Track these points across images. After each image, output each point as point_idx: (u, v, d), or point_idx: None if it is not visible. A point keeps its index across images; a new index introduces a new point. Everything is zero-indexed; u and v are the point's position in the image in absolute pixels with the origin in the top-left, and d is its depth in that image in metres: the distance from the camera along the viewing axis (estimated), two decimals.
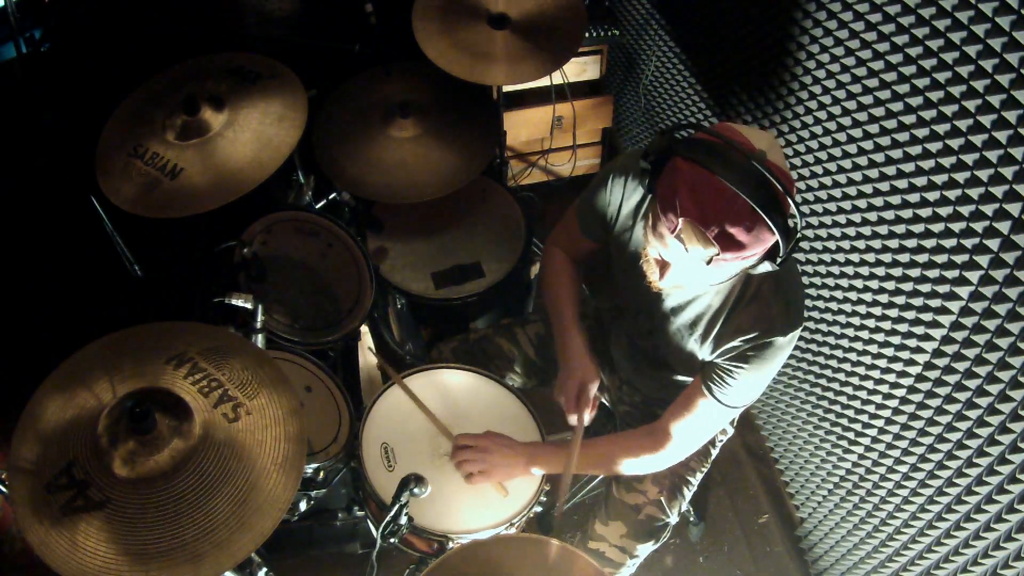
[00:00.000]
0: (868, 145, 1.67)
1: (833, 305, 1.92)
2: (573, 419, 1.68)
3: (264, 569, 1.74)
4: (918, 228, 1.57)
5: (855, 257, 1.80)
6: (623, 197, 1.54)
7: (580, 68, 2.85)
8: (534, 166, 3.13)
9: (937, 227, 1.52)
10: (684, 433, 1.56)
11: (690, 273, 1.31)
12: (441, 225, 2.34)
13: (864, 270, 1.78)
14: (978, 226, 1.42)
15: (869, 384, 1.84)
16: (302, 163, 2.27)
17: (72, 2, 3.31)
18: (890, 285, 1.69)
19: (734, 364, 1.45)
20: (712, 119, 2.43)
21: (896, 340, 1.71)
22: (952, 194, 1.46)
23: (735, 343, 1.44)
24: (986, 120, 1.35)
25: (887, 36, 1.54)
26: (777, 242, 1.22)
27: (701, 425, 1.55)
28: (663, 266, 1.34)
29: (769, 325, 1.41)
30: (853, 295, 1.83)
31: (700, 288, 1.45)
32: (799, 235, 1.23)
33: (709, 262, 1.23)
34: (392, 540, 1.51)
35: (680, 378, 1.65)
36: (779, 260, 1.25)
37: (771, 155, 1.21)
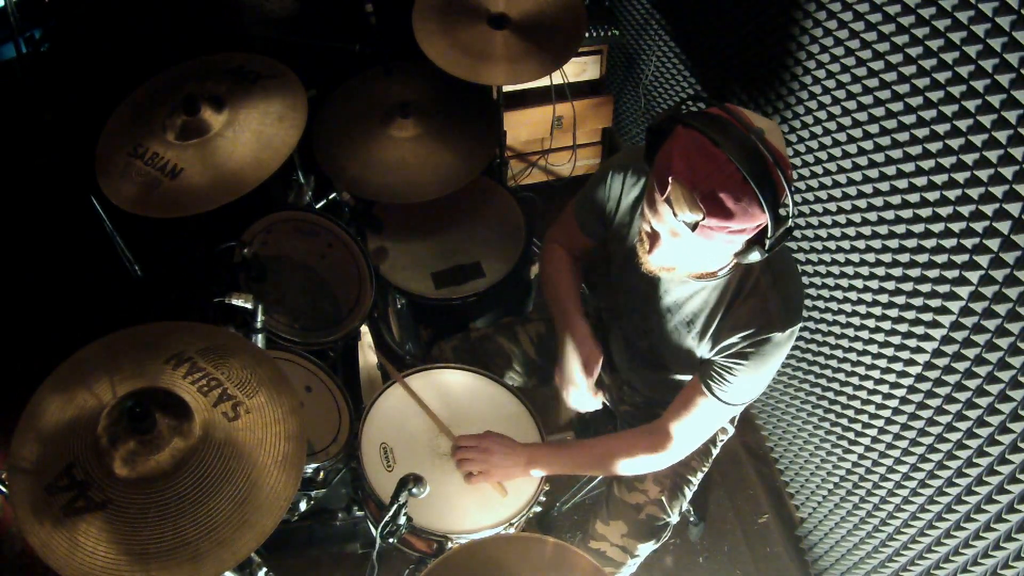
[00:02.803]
0: (868, 145, 1.67)
1: (833, 305, 1.92)
2: (569, 401, 1.69)
3: (264, 569, 1.74)
4: (918, 228, 1.57)
5: (855, 257, 1.80)
6: (622, 192, 1.54)
7: (580, 68, 2.85)
8: (534, 166, 3.13)
9: (937, 227, 1.52)
10: (684, 432, 1.56)
11: (678, 247, 1.30)
12: (441, 225, 2.34)
13: (864, 270, 1.78)
14: (978, 226, 1.42)
15: (869, 384, 1.84)
16: (302, 163, 2.27)
17: (72, 2, 3.30)
18: (890, 285, 1.69)
19: (733, 361, 1.45)
20: None
21: (896, 340, 1.71)
22: (952, 194, 1.46)
23: (733, 339, 1.44)
24: (986, 120, 1.35)
25: (887, 36, 1.54)
26: (767, 225, 1.21)
27: (701, 424, 1.55)
28: (653, 240, 1.33)
29: (767, 321, 1.40)
30: (853, 295, 1.83)
31: (694, 281, 1.44)
32: (791, 223, 1.23)
33: (694, 228, 1.22)
34: (391, 540, 1.51)
35: (680, 377, 1.65)
36: (768, 246, 1.24)
37: (770, 136, 1.21)
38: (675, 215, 1.23)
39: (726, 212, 1.19)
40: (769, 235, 1.23)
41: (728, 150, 1.17)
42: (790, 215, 1.22)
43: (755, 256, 1.27)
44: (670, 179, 1.21)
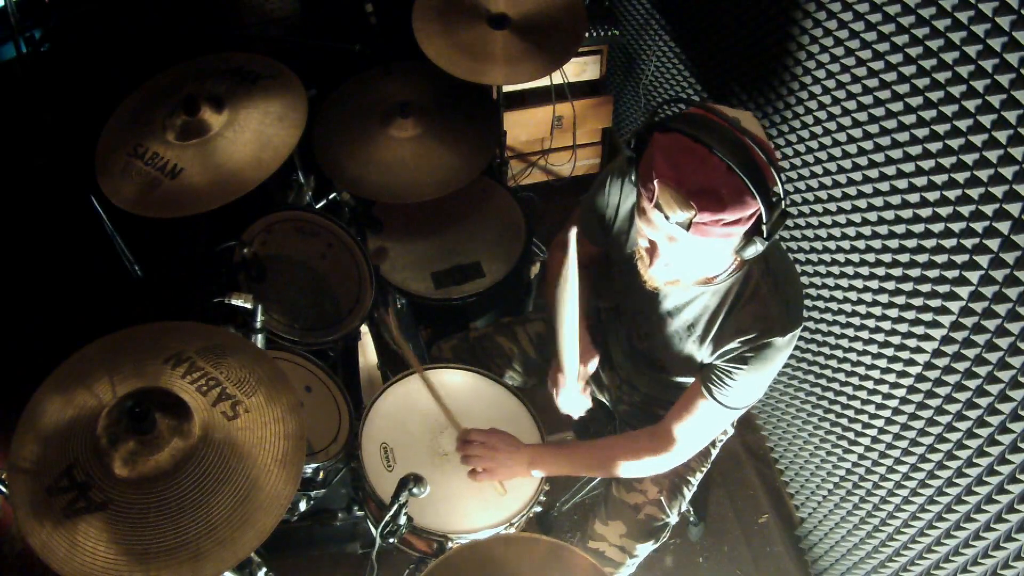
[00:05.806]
0: (868, 145, 1.67)
1: (833, 305, 1.92)
2: (558, 402, 1.70)
3: (264, 569, 1.74)
4: (918, 228, 1.57)
5: (855, 257, 1.80)
6: (620, 198, 1.55)
7: (580, 68, 2.85)
8: (534, 166, 3.13)
9: (937, 227, 1.52)
10: (686, 435, 1.56)
11: (677, 254, 1.29)
12: (441, 225, 2.34)
13: (864, 270, 1.78)
14: (978, 226, 1.42)
15: (869, 384, 1.84)
16: (302, 163, 2.27)
17: (72, 2, 3.30)
18: (890, 285, 1.69)
19: (733, 365, 1.45)
20: None
21: (896, 340, 1.71)
22: (952, 194, 1.46)
23: (734, 344, 1.44)
24: (986, 120, 1.35)
25: (887, 36, 1.54)
26: (761, 212, 1.20)
27: (702, 427, 1.55)
28: (652, 251, 1.33)
29: (768, 325, 1.40)
30: (853, 295, 1.83)
31: (695, 286, 1.44)
32: (785, 207, 1.22)
33: (688, 227, 1.21)
34: (391, 540, 1.51)
35: (679, 379, 1.65)
36: (767, 234, 1.23)
37: (746, 123, 1.21)
38: (667, 218, 1.22)
39: (718, 203, 1.18)
40: (765, 221, 1.22)
41: (708, 142, 1.17)
42: (783, 198, 1.22)
43: (756, 248, 1.25)
44: (656, 183, 1.20)
